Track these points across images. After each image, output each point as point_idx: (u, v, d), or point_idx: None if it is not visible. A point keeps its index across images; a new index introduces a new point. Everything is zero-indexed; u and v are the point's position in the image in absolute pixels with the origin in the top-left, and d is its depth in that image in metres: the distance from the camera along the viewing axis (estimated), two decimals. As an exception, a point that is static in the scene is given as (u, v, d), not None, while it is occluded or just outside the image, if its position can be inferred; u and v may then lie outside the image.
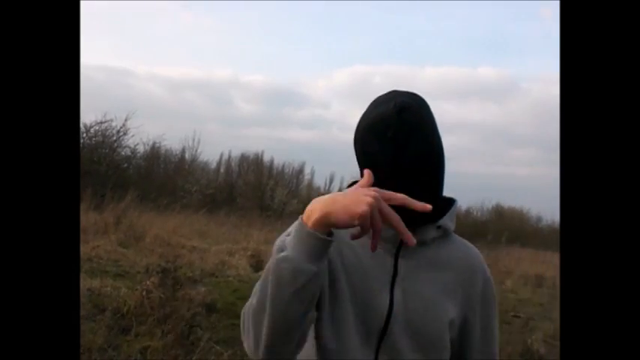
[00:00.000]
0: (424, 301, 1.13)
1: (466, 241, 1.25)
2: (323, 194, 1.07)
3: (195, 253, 9.19)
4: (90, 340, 4.03)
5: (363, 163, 1.12)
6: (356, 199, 0.92)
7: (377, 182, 1.03)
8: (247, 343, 1.07)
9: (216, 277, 7.69)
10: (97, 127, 16.64)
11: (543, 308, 8.60)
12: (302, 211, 1.00)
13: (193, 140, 22.74)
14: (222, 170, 24.43)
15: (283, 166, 24.59)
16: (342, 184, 25.00)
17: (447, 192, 1.21)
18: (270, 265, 0.99)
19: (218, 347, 4.41)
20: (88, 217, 9.45)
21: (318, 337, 1.13)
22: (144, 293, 4.96)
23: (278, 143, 36.67)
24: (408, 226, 1.01)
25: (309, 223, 0.95)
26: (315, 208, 0.96)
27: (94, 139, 16.69)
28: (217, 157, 24.26)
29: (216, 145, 42.02)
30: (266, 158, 24.10)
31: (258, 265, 8.63)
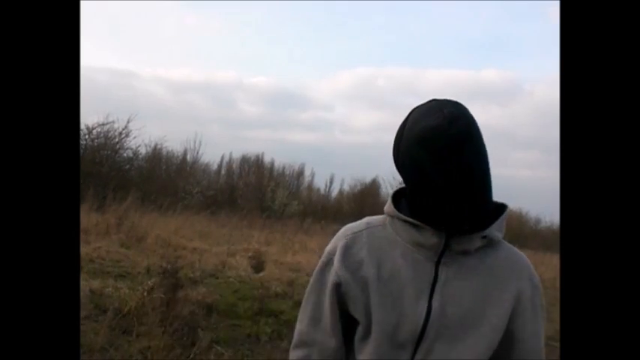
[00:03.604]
0: (463, 308, 1.12)
1: (515, 249, 1.22)
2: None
3: (196, 254, 9.19)
4: (92, 340, 4.03)
5: (412, 176, 1.11)
6: None
7: (429, 194, 1.07)
8: None
9: (217, 277, 7.68)
10: (100, 129, 16.67)
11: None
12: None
13: (195, 142, 22.83)
14: (223, 172, 24.48)
15: (284, 167, 24.62)
16: (342, 186, 25.15)
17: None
18: None
19: (219, 348, 4.41)
20: (90, 218, 9.45)
21: (352, 351, 1.21)
22: (145, 294, 4.97)
23: (280, 145, 36.76)
24: (454, 235, 1.11)
25: None
26: None
27: (96, 140, 16.71)
28: (218, 159, 24.33)
29: (217, 146, 42.09)
30: (267, 160, 24.15)
31: (258, 266, 8.62)
